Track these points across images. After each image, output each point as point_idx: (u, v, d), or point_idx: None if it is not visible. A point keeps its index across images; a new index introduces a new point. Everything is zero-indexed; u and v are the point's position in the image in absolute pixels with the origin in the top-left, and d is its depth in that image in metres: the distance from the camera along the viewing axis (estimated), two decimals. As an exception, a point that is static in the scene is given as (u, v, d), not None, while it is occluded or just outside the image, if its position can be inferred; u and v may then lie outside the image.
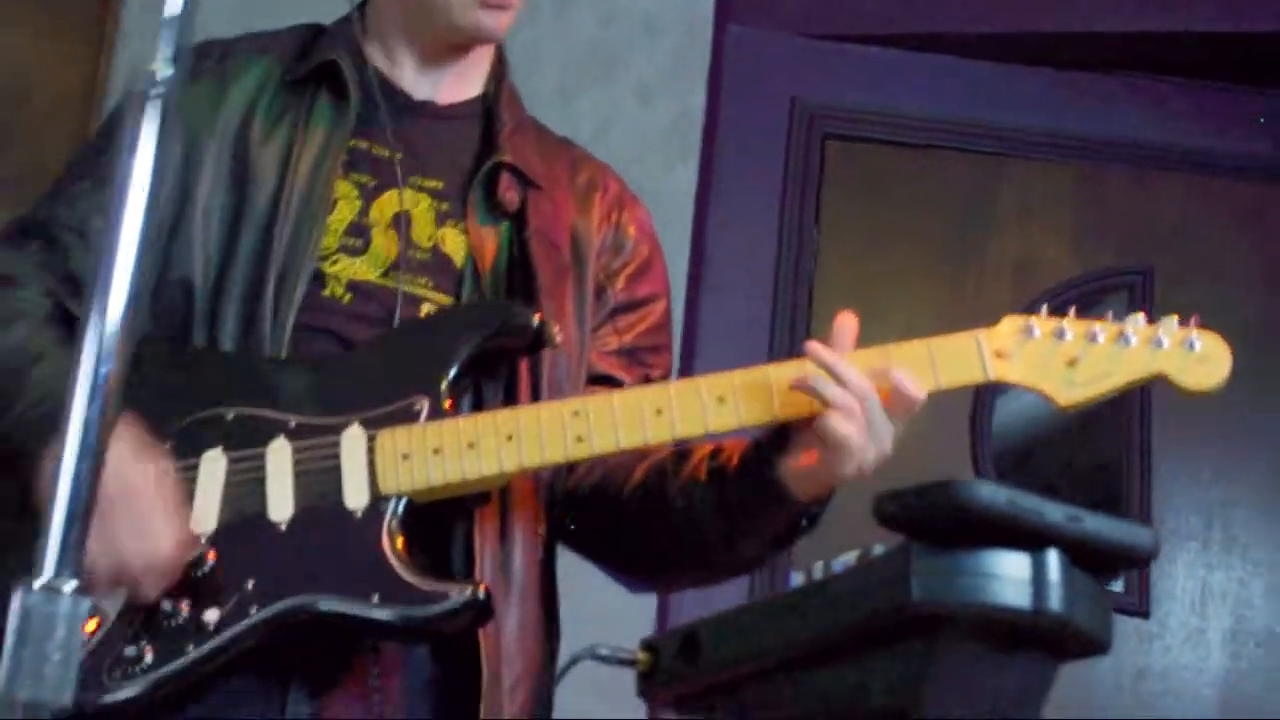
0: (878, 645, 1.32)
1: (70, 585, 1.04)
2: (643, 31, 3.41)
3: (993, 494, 1.26)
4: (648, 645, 1.60)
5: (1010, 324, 1.70)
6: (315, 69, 1.79)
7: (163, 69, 1.11)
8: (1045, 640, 1.34)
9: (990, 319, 3.40)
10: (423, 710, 1.66)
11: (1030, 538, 1.29)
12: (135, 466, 1.55)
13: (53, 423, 1.53)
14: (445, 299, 1.74)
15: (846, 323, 1.66)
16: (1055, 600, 1.27)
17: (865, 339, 3.41)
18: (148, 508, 1.53)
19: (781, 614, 1.39)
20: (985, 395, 3.37)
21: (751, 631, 1.43)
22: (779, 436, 1.66)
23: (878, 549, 1.34)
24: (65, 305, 1.72)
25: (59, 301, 1.73)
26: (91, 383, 1.07)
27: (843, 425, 1.59)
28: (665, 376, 1.87)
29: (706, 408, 1.63)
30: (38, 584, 1.05)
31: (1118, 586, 3.33)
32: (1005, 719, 1.34)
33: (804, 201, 3.42)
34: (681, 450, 1.75)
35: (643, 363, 1.87)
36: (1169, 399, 3.21)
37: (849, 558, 1.42)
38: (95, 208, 1.70)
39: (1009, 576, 1.27)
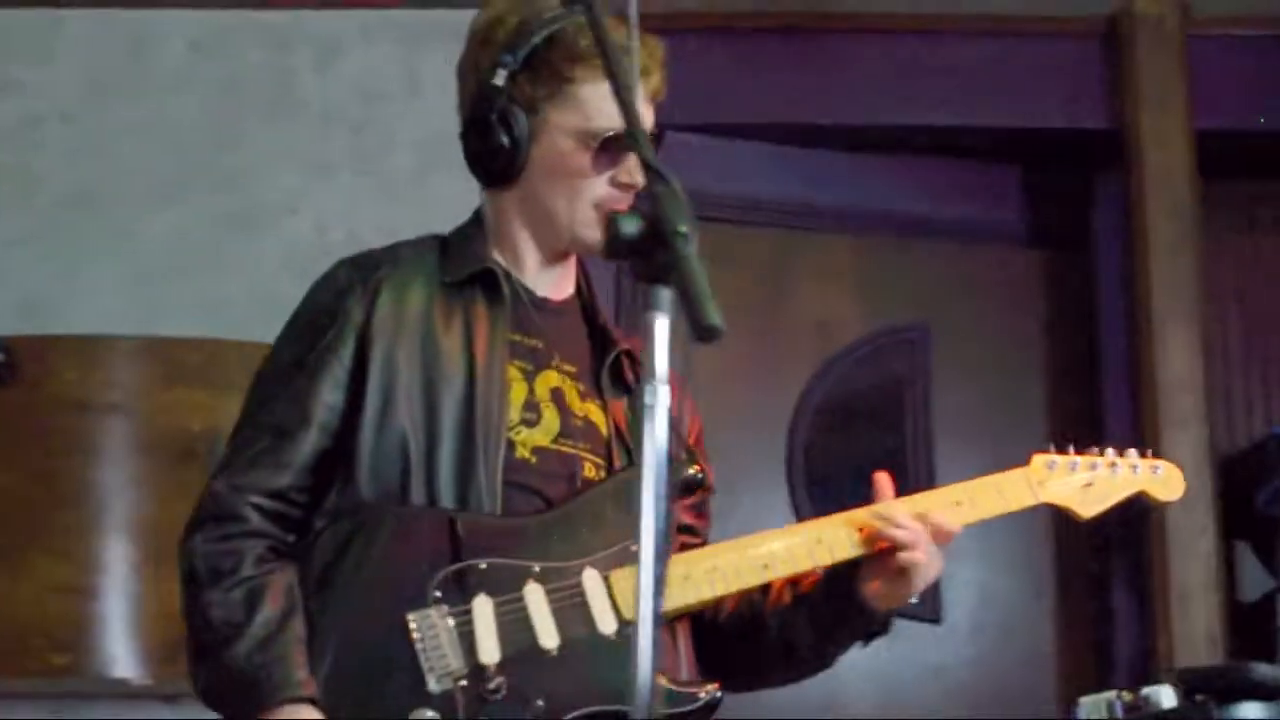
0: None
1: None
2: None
3: (1265, 672, 2.17)
4: None
5: (1039, 460, 2.22)
6: (473, 275, 2.13)
7: (661, 388, 1.53)
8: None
9: (794, 370, 3.98)
10: None
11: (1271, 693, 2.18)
12: None
13: (254, 684, 1.94)
14: (599, 459, 2.11)
15: (885, 482, 2.14)
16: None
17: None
18: None
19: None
20: (803, 406, 3.95)
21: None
22: (854, 567, 2.11)
23: (1155, 695, 2.12)
24: (283, 518, 2.04)
25: (277, 516, 2.04)
26: (655, 547, 1.50)
27: (914, 556, 2.05)
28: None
29: (847, 541, 2.10)
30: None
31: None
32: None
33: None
34: (762, 586, 2.16)
35: (703, 515, 2.25)
36: (947, 411, 3.91)
37: (1146, 693, 1.99)
38: (313, 400, 2.05)
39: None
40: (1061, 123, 4.10)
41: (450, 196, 3.75)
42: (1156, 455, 2.28)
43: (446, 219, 3.80)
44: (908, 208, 4.14)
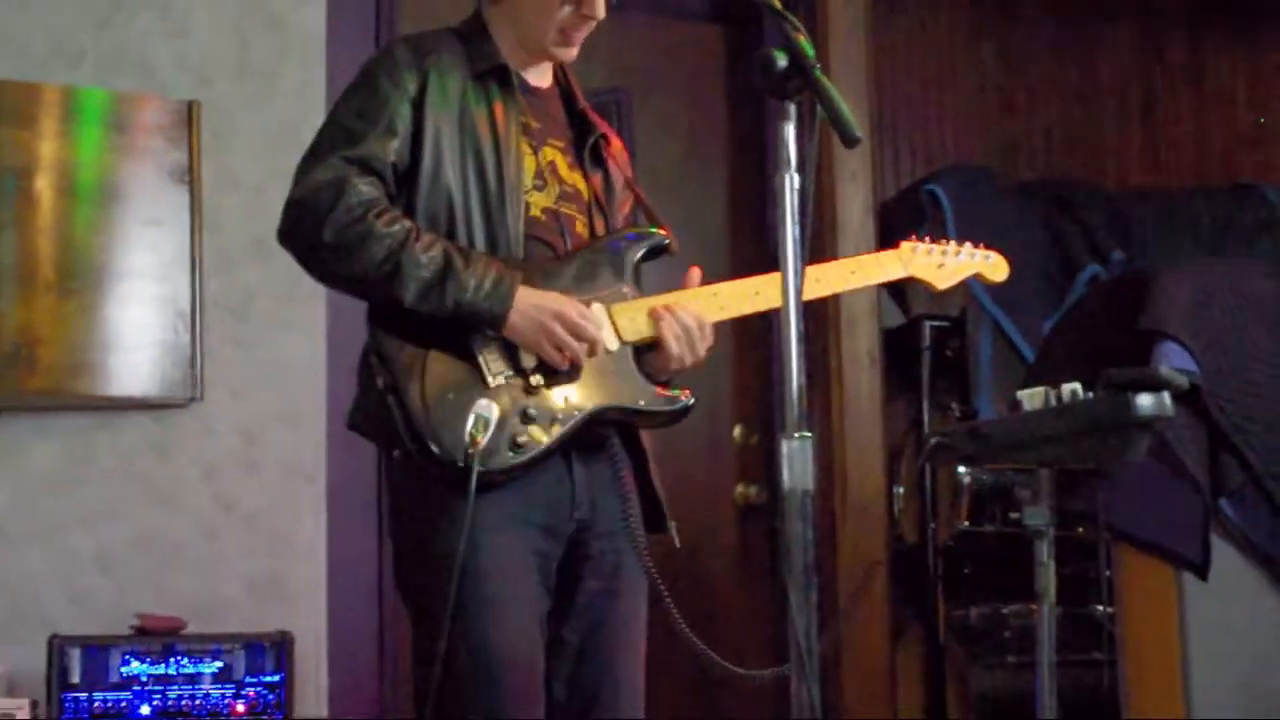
0: (1105, 434, 2.64)
1: (808, 435, 2.00)
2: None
3: (1170, 373, 2.67)
4: (942, 434, 2.83)
5: (906, 246, 2.91)
6: (492, 69, 2.68)
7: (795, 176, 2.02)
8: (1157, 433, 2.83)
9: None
10: (626, 466, 2.69)
11: (1164, 386, 2.65)
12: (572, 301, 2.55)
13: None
14: (584, 219, 2.73)
15: (693, 276, 2.75)
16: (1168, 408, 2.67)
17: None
18: (579, 316, 2.55)
19: (1044, 419, 2.70)
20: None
21: (1021, 427, 2.72)
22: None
23: (1076, 389, 2.61)
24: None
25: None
26: (795, 304, 1.99)
27: (671, 345, 2.65)
28: None
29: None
30: (795, 434, 1.96)
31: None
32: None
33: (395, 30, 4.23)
34: None
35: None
36: (649, 162, 4.45)
37: (1067, 389, 2.59)
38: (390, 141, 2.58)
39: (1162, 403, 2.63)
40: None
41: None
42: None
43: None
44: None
